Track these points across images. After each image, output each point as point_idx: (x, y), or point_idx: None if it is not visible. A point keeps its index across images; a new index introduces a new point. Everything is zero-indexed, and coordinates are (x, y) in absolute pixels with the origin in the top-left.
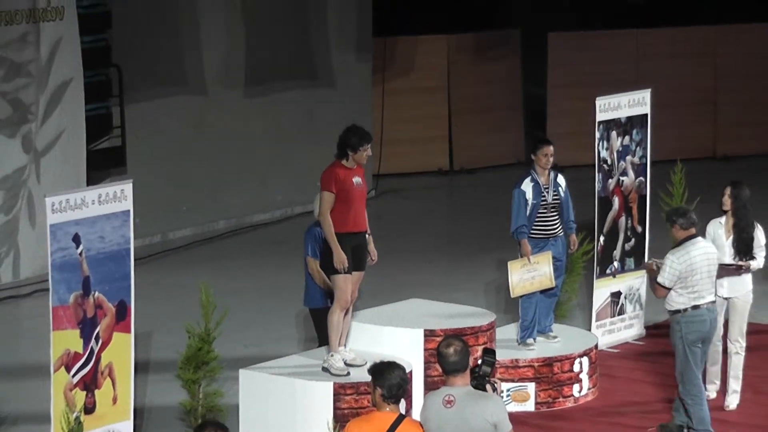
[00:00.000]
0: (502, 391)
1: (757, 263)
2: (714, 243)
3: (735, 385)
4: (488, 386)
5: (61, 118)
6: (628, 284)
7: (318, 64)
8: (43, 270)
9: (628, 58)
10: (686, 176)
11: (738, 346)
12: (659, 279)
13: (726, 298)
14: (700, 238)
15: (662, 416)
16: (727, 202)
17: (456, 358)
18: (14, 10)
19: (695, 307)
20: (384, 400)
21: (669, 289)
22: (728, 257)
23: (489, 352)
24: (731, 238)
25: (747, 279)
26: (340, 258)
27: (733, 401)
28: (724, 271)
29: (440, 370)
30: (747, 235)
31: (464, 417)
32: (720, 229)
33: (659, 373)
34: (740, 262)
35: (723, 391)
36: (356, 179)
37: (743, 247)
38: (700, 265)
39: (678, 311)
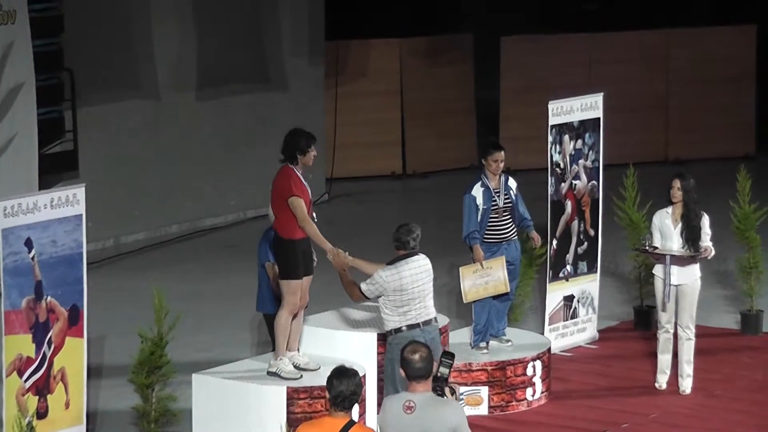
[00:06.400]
0: (461, 394)
1: (711, 250)
2: (661, 233)
3: (688, 369)
4: (447, 389)
5: (12, 121)
6: (581, 288)
7: (270, 68)
8: None
9: (581, 62)
10: (638, 180)
11: (689, 333)
12: (363, 287)
13: (675, 285)
14: (412, 258)
15: (615, 419)
16: (677, 194)
17: (421, 365)
18: None
19: (409, 327)
20: (332, 407)
21: (366, 298)
22: (677, 246)
23: (447, 355)
24: (679, 227)
25: (695, 267)
26: (336, 252)
27: (687, 385)
28: (677, 260)
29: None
30: (696, 224)
31: (424, 423)
32: (667, 219)
33: (612, 377)
34: (694, 253)
35: (674, 378)
36: (306, 183)
37: (692, 235)
38: (410, 283)
39: (390, 332)
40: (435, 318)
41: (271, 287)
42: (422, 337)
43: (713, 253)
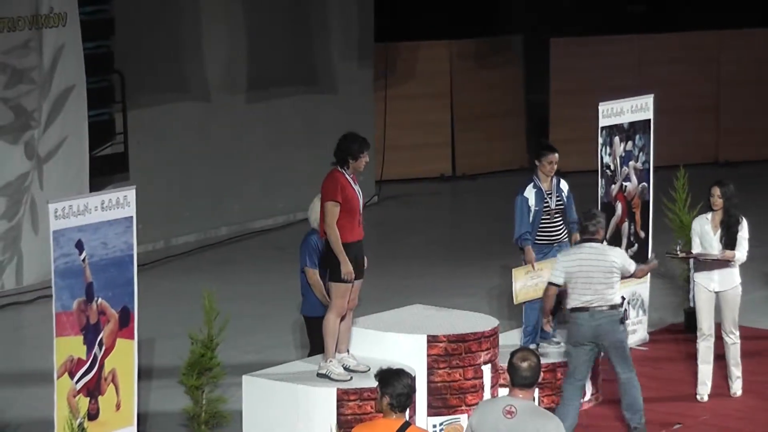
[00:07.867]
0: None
1: (740, 255)
2: (701, 239)
3: (736, 371)
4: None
5: (63, 124)
6: (631, 290)
7: (320, 71)
8: (46, 276)
9: (631, 63)
10: (689, 182)
11: (733, 337)
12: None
13: (717, 292)
14: (586, 244)
15: (665, 420)
16: (717, 202)
17: (528, 373)
18: (17, 17)
19: (575, 309)
20: (391, 409)
21: (556, 286)
22: (716, 252)
23: None
24: (719, 233)
25: (735, 273)
26: (348, 269)
27: (737, 387)
28: (713, 264)
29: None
30: (735, 230)
31: (521, 431)
32: (707, 225)
33: (662, 379)
34: (720, 254)
35: (723, 381)
36: (356, 187)
37: (731, 241)
38: (578, 269)
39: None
40: (613, 305)
41: (311, 291)
42: (590, 321)
43: (737, 258)
